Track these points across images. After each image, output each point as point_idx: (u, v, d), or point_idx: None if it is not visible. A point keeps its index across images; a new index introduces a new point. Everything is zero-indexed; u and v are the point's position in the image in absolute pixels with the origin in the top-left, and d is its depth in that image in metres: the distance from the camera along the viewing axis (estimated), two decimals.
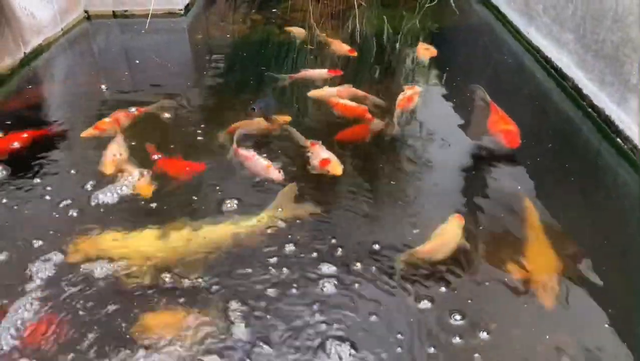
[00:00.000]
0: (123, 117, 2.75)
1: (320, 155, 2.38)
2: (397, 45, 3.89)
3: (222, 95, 3.19)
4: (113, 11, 4.33)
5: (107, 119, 2.72)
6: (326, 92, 2.96)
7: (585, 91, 2.77)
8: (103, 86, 3.31)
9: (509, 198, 2.20)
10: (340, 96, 2.89)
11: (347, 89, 2.96)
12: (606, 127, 2.57)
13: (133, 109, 2.84)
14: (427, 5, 4.53)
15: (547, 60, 3.17)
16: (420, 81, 3.29)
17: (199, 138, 2.67)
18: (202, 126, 2.77)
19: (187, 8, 4.41)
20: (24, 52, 3.53)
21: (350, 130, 2.67)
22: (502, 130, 2.48)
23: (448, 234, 1.92)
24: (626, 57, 2.39)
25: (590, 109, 2.71)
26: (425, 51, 3.57)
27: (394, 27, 4.19)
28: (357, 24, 4.27)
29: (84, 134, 2.63)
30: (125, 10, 4.31)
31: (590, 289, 1.75)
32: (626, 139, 2.42)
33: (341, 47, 3.51)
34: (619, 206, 2.20)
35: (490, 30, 3.96)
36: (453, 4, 4.45)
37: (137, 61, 3.74)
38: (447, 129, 2.72)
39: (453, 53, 3.78)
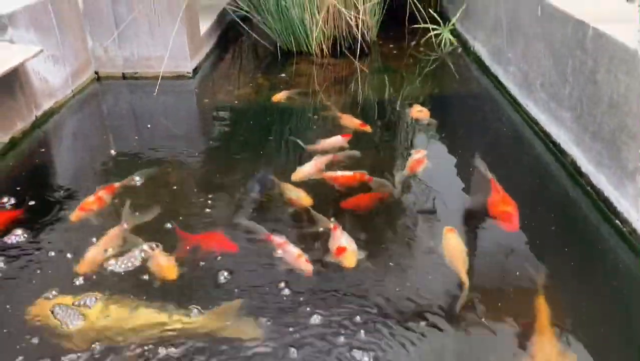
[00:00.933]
0: (106, 194, 2.75)
1: (337, 241, 2.35)
2: (397, 108, 3.98)
3: (228, 161, 3.25)
4: (123, 73, 4.45)
5: (91, 198, 2.72)
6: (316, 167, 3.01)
7: (583, 170, 2.84)
8: (112, 151, 3.38)
9: (509, 278, 2.26)
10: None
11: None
12: (605, 207, 2.63)
13: (117, 184, 2.86)
14: (427, 69, 4.67)
15: (546, 134, 3.26)
16: (420, 147, 3.38)
17: (207, 210, 2.72)
18: (210, 196, 2.83)
19: (195, 71, 4.54)
20: (35, 116, 3.62)
21: (355, 199, 2.76)
22: (502, 212, 2.54)
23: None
24: (623, 144, 2.47)
25: (589, 188, 2.78)
26: (418, 113, 3.70)
27: (395, 91, 4.30)
28: (360, 89, 4.40)
29: (72, 217, 2.62)
30: (135, 73, 4.43)
31: None
32: (625, 221, 2.47)
33: (352, 121, 3.57)
34: (617, 290, 2.24)
35: (489, 99, 4.06)
36: (453, 69, 4.59)
37: (148, 125, 3.84)
38: (446, 202, 2.77)
39: (452, 120, 3.87)
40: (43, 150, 3.47)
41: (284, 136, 3.57)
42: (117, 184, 2.86)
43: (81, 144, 3.64)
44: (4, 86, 3.26)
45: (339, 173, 2.94)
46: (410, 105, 3.86)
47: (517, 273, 2.27)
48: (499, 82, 4.06)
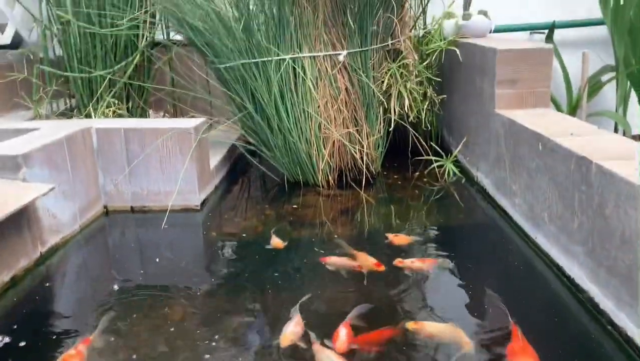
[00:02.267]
0: (83, 347, 2.61)
1: None
2: (408, 243, 3.92)
3: (233, 302, 3.14)
4: (131, 207, 4.50)
5: (72, 351, 2.58)
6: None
7: (602, 306, 2.72)
8: (115, 286, 3.31)
9: None
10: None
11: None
12: (629, 348, 2.48)
13: (90, 336, 2.71)
14: (431, 198, 4.70)
15: (559, 267, 3.18)
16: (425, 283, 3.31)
17: (206, 356, 2.58)
18: (215, 337, 2.70)
19: (203, 203, 4.59)
20: (40, 252, 3.60)
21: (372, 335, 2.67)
22: None
23: None
24: None
25: (610, 327, 2.64)
26: (395, 238, 3.81)
27: (401, 221, 4.29)
28: (366, 220, 4.40)
29: None
30: (144, 206, 4.48)
31: None
32: None
33: (367, 260, 3.51)
34: None
35: (497, 230, 4.03)
36: (458, 199, 4.61)
37: (155, 258, 3.79)
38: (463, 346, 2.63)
39: (461, 253, 3.82)
40: (45, 286, 3.41)
41: (290, 276, 3.50)
42: (90, 337, 2.71)
43: (84, 279, 3.58)
44: (12, 223, 3.27)
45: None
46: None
47: None
48: (506, 213, 4.07)
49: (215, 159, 5.04)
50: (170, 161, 4.36)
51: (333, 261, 3.51)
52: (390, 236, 3.85)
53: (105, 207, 4.50)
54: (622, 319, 2.56)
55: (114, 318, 2.92)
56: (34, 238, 3.53)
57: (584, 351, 2.59)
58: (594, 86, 5.95)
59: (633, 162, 2.69)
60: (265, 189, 5.22)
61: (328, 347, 2.53)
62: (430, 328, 2.72)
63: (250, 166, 5.63)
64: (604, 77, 6.06)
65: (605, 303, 2.70)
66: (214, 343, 2.67)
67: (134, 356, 2.58)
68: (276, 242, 3.82)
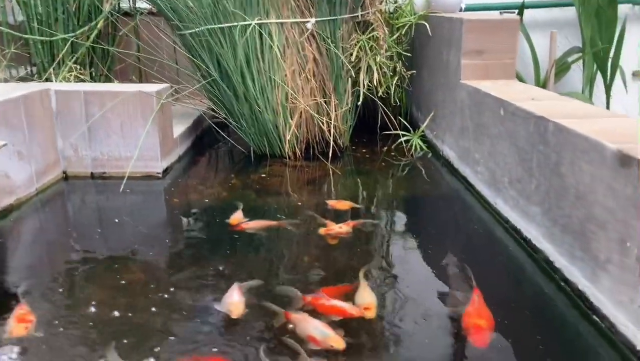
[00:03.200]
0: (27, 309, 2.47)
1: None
2: (372, 210, 3.93)
3: (190, 269, 3.06)
4: (91, 172, 4.39)
5: (23, 309, 2.45)
6: None
7: (556, 264, 2.74)
8: (72, 250, 3.22)
9: None
10: None
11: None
12: (581, 303, 2.50)
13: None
14: (398, 172, 4.70)
15: (517, 231, 3.20)
16: (399, 247, 3.31)
17: (160, 321, 2.53)
18: (169, 302, 2.65)
19: (166, 171, 4.50)
20: None
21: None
22: (473, 325, 2.37)
23: None
24: (592, 234, 2.40)
25: (563, 283, 2.67)
26: (336, 203, 3.85)
27: (368, 194, 4.27)
28: (333, 190, 4.37)
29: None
30: (104, 172, 4.38)
31: None
32: (603, 317, 2.34)
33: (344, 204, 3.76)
34: None
35: (459, 200, 4.06)
36: (426, 176, 4.61)
37: (111, 222, 3.70)
38: (421, 307, 2.61)
39: (426, 221, 3.84)
40: None
41: (251, 241, 3.45)
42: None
43: (39, 242, 3.47)
44: None
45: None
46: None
47: None
48: (469, 183, 4.08)
49: (180, 128, 4.95)
50: (132, 126, 4.26)
51: (252, 225, 3.46)
52: (331, 203, 3.87)
53: (64, 172, 4.38)
54: (574, 274, 2.58)
55: (68, 280, 2.84)
56: None
57: (538, 310, 2.60)
58: (561, 66, 6.01)
59: (590, 120, 2.71)
60: (232, 160, 5.15)
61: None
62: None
63: (218, 140, 5.55)
64: (572, 59, 6.12)
65: (560, 261, 2.72)
66: (168, 309, 2.62)
67: (87, 317, 2.53)
68: (235, 218, 3.58)
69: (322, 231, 3.35)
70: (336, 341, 2.16)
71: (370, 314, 2.40)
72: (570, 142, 2.60)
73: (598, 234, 2.36)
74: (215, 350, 2.24)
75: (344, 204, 3.85)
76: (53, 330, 2.38)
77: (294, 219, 3.65)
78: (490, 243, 3.38)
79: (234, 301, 2.48)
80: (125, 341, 2.29)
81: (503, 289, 2.81)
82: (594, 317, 2.39)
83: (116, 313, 2.50)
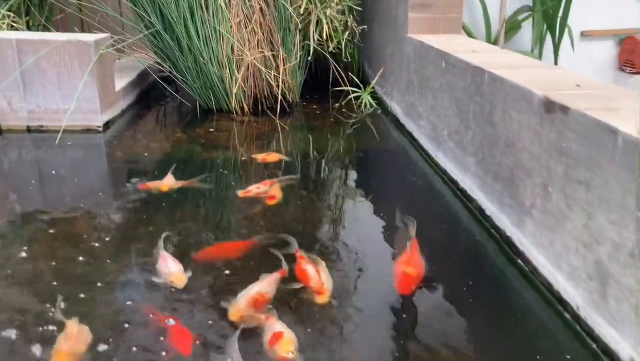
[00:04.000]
0: None
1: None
2: (323, 164, 3.90)
3: (133, 221, 3.00)
4: (28, 126, 4.22)
5: None
6: None
7: (487, 212, 2.80)
8: (12, 205, 3.11)
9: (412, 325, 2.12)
10: None
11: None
12: (508, 248, 2.57)
13: None
14: (347, 127, 4.68)
15: (454, 182, 3.24)
16: (343, 202, 3.31)
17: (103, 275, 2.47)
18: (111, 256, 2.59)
19: (107, 125, 4.37)
20: None
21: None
22: (401, 273, 2.41)
23: None
24: (520, 180, 2.45)
25: (493, 230, 2.73)
26: (266, 156, 3.84)
27: (316, 149, 4.23)
28: (281, 144, 4.33)
29: None
30: (41, 125, 4.22)
31: None
32: (527, 261, 2.40)
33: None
34: (523, 332, 2.12)
35: (405, 155, 4.08)
36: (374, 131, 4.61)
37: (48, 176, 3.58)
38: (360, 256, 2.64)
39: (370, 175, 3.85)
40: None
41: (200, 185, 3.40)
42: None
43: None
44: None
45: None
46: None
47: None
48: (413, 138, 4.10)
49: (123, 81, 4.79)
50: (69, 77, 4.09)
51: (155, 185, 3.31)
52: (260, 156, 3.82)
53: None
54: (503, 221, 2.64)
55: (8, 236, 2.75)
56: None
57: (470, 256, 2.66)
58: (512, 24, 6.04)
59: (523, 71, 2.73)
60: (179, 115, 5.04)
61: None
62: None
63: (164, 95, 5.41)
64: (522, 17, 6.15)
65: (490, 209, 2.77)
66: (109, 261, 2.57)
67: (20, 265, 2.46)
68: (166, 182, 3.34)
69: (240, 193, 3.17)
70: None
71: (323, 299, 2.19)
72: (502, 91, 2.62)
73: (525, 181, 2.41)
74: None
75: (274, 157, 3.82)
76: None
77: (236, 173, 3.63)
78: (430, 195, 3.42)
79: (174, 272, 2.31)
80: (54, 284, 2.26)
81: (439, 239, 2.86)
82: (519, 261, 2.46)
83: (51, 263, 2.46)
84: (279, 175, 3.53)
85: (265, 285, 2.21)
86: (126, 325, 2.05)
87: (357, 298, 2.29)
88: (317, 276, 2.27)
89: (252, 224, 2.90)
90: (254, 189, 3.27)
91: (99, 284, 2.30)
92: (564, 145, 2.10)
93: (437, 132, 3.55)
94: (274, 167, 3.72)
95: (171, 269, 2.34)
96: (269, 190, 3.26)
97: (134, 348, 1.92)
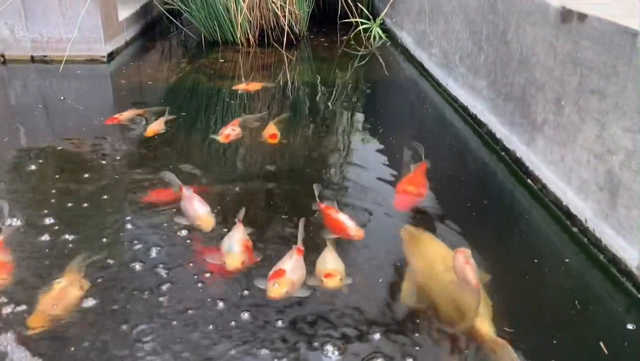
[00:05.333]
0: None
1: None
2: (326, 99, 3.80)
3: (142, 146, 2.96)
4: (31, 56, 4.16)
5: None
6: None
7: (498, 135, 2.75)
8: (18, 136, 3.09)
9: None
10: None
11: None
12: (517, 169, 2.53)
13: None
14: (355, 59, 4.56)
15: (464, 108, 3.18)
16: (350, 137, 3.24)
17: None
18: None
19: (111, 56, 4.30)
20: None
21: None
22: (402, 190, 2.39)
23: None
24: (532, 98, 2.38)
25: (503, 153, 2.68)
26: (248, 85, 3.73)
27: (325, 80, 4.13)
28: (287, 74, 4.25)
29: None
30: (45, 56, 4.15)
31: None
32: (536, 179, 2.37)
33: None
34: (529, 247, 2.11)
35: (414, 86, 3.99)
36: (383, 63, 4.49)
37: (53, 105, 3.54)
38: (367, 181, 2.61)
39: (380, 107, 3.77)
40: None
41: (199, 114, 3.37)
42: None
43: None
44: None
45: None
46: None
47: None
48: (424, 68, 4.00)
49: (126, 12, 4.67)
50: (71, 5, 3.99)
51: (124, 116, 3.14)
52: (240, 86, 3.72)
53: (2, 56, 4.14)
54: (513, 142, 2.59)
55: (17, 164, 2.72)
56: None
57: (479, 180, 2.62)
58: None
59: None
60: (183, 47, 4.94)
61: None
62: None
63: (169, 29, 5.30)
64: None
65: (501, 131, 2.72)
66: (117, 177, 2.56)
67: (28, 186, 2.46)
68: (152, 128, 3.02)
69: (220, 137, 2.86)
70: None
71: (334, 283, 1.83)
72: (516, 6, 2.51)
73: (537, 97, 2.34)
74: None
75: (255, 86, 3.73)
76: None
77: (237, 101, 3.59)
78: (440, 123, 3.36)
79: (202, 215, 2.13)
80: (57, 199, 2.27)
81: (448, 164, 2.81)
82: (529, 181, 2.42)
83: (56, 183, 2.47)
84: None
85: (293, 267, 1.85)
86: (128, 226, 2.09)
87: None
88: (352, 223, 2.09)
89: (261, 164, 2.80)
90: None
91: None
92: (580, 55, 2.02)
93: (449, 58, 3.45)
94: (254, 97, 3.64)
95: (199, 211, 2.15)
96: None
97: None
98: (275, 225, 2.19)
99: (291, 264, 1.82)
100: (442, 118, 3.40)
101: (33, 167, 2.61)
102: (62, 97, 3.54)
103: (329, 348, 1.56)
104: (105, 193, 2.37)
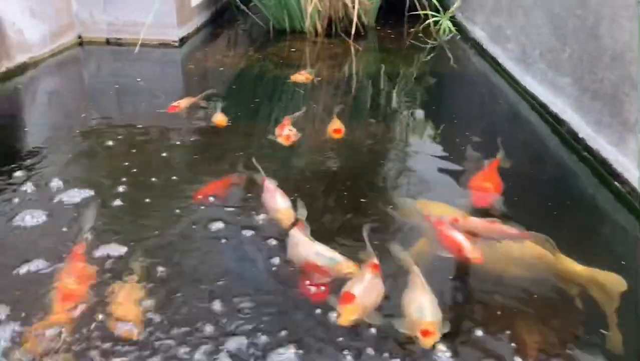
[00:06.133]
0: None
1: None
2: (393, 92, 3.73)
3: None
4: (107, 38, 4.28)
5: None
6: None
7: (581, 135, 2.63)
8: (88, 113, 3.17)
9: None
10: None
11: None
12: (603, 170, 2.41)
13: None
14: (423, 52, 4.47)
15: (543, 105, 3.06)
16: (418, 131, 3.16)
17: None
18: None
19: (183, 41, 4.37)
20: (7, 67, 3.44)
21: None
22: (474, 186, 2.32)
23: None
24: (625, 96, 2.26)
25: (586, 153, 2.56)
26: (300, 76, 3.61)
27: (389, 74, 4.05)
28: (352, 64, 4.22)
29: None
30: (119, 39, 4.27)
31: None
32: (624, 182, 2.25)
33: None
34: (617, 256, 1.99)
35: (486, 80, 3.87)
36: (451, 57, 4.38)
37: (126, 87, 3.63)
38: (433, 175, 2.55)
39: (448, 100, 3.69)
40: (13, 102, 3.30)
41: (267, 103, 3.38)
42: None
43: (55, 105, 3.41)
44: None
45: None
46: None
47: None
48: (497, 63, 3.88)
49: None
50: None
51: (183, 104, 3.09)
52: (294, 76, 3.64)
53: (80, 37, 4.28)
54: (598, 142, 2.47)
55: (87, 142, 2.77)
56: None
57: (557, 180, 2.51)
58: None
59: None
60: (251, 35, 4.97)
61: None
62: None
63: (237, 16, 5.35)
64: None
65: (585, 130, 2.60)
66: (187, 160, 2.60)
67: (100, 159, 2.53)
68: (218, 119, 2.97)
69: (281, 139, 2.69)
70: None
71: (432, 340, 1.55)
72: (610, 0, 2.38)
73: (630, 95, 2.22)
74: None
75: (307, 77, 3.63)
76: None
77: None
78: (515, 120, 3.25)
79: (282, 209, 2.06)
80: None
81: (523, 161, 2.70)
82: (615, 183, 2.30)
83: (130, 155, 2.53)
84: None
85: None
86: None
87: None
88: (469, 244, 1.86)
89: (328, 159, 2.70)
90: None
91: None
92: None
93: (527, 54, 3.33)
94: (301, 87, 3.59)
95: (280, 205, 2.09)
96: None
97: None
98: (342, 228, 2.08)
99: (364, 286, 1.62)
100: (517, 115, 3.28)
101: (110, 142, 2.69)
102: (138, 80, 3.63)
103: None
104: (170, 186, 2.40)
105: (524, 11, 3.40)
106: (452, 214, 2.03)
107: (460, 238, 1.87)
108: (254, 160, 2.44)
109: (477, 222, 1.99)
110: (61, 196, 2.15)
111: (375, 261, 1.73)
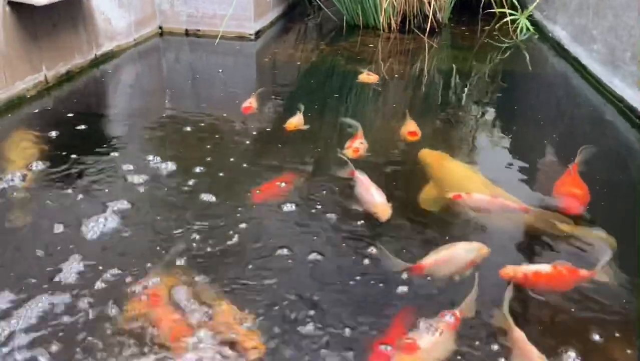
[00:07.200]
0: None
1: None
2: (465, 91, 3.65)
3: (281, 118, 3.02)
4: (186, 29, 4.40)
5: None
6: None
7: None
8: (167, 101, 3.29)
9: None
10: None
11: None
12: None
13: None
14: (499, 51, 4.37)
15: (632, 110, 2.93)
16: (488, 132, 3.10)
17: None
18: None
19: (258, 34, 4.44)
20: (95, 54, 3.60)
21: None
22: (562, 192, 2.25)
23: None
24: None
25: None
26: (367, 77, 3.59)
27: (462, 73, 3.96)
28: (427, 61, 4.17)
29: None
30: (198, 30, 4.38)
31: None
32: None
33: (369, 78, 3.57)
34: None
35: (565, 82, 3.75)
36: (528, 56, 4.26)
37: (203, 79, 3.73)
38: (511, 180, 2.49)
39: (526, 101, 3.58)
40: (99, 87, 3.45)
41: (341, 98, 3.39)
42: None
43: (137, 90, 3.56)
44: (67, 17, 3.24)
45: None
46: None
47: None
48: (580, 64, 3.74)
49: None
50: None
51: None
52: (362, 76, 3.59)
53: (160, 27, 4.41)
54: None
55: (162, 130, 2.88)
56: (89, 37, 3.51)
57: None
58: None
59: None
60: (324, 29, 4.98)
61: None
62: None
63: (310, 10, 5.38)
64: None
65: None
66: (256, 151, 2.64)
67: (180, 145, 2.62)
68: (295, 122, 2.91)
69: (349, 152, 2.58)
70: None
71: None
72: None
73: None
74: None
75: (374, 78, 3.58)
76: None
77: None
78: (599, 123, 3.12)
79: (379, 204, 2.10)
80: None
81: (608, 167, 2.61)
82: None
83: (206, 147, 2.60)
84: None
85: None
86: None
87: None
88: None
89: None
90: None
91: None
92: None
93: (616, 55, 3.20)
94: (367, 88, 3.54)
95: (376, 200, 2.13)
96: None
97: None
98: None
99: (432, 341, 1.43)
100: (601, 118, 3.16)
101: (188, 128, 2.77)
102: (219, 70, 3.72)
103: None
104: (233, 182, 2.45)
105: (614, 11, 3.26)
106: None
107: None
108: (339, 153, 2.51)
109: (480, 197, 2.14)
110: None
111: (459, 314, 1.53)
